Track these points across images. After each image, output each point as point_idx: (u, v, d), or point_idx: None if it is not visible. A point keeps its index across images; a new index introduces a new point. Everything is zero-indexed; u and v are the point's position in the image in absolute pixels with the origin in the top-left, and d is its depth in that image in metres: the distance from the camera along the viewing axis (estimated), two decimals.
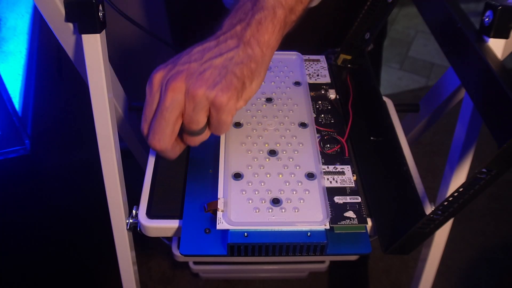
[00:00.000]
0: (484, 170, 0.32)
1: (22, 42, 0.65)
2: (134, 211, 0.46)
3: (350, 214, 0.40)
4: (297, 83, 0.54)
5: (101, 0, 0.44)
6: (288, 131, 0.48)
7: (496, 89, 0.35)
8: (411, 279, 0.60)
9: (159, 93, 0.38)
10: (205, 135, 0.41)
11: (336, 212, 0.40)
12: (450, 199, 0.34)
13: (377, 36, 0.72)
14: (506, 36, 0.42)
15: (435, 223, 0.36)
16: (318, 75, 0.56)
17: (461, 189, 0.33)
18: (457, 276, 1.12)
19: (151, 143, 0.40)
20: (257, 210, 0.40)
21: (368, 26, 0.53)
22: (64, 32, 0.47)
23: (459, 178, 0.50)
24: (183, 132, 0.40)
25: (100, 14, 0.43)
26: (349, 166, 0.45)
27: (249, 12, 0.39)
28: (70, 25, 0.46)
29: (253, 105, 0.50)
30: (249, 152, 0.45)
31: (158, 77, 0.39)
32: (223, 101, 0.37)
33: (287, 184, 0.42)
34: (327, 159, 0.46)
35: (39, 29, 0.68)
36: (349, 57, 0.57)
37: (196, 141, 0.41)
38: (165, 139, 0.39)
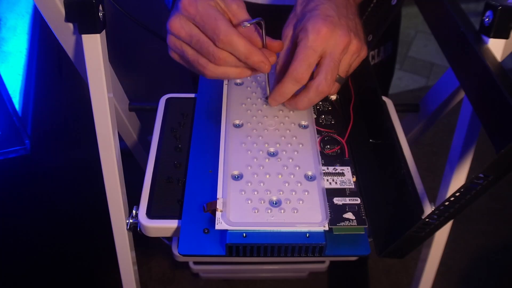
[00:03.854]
0: (481, 175, 0.31)
1: (22, 42, 0.65)
2: (134, 211, 0.46)
3: (349, 215, 0.40)
4: None
5: (101, 0, 0.44)
6: (288, 131, 0.48)
7: (495, 94, 0.34)
8: (411, 279, 0.60)
9: (326, 44, 0.42)
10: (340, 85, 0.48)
11: (335, 213, 0.40)
12: (446, 203, 0.33)
13: (395, 40, 0.72)
14: (506, 36, 0.42)
15: (431, 227, 0.36)
16: None
17: (457, 194, 0.33)
18: (457, 276, 1.12)
19: (324, 88, 0.43)
20: (256, 211, 0.40)
21: (371, 28, 0.53)
22: (64, 32, 0.47)
23: (459, 179, 0.50)
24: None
25: (100, 14, 0.43)
26: (349, 167, 0.45)
27: None
28: (70, 25, 0.46)
29: (254, 105, 0.50)
30: (249, 152, 0.45)
31: (328, 31, 0.42)
32: (366, 54, 0.46)
33: (287, 184, 0.42)
34: (327, 160, 0.46)
35: (39, 29, 0.68)
36: None
37: (338, 89, 0.48)
38: (333, 84, 0.44)
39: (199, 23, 0.41)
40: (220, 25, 0.40)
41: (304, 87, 0.44)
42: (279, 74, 0.46)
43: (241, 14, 0.43)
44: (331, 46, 0.42)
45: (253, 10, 0.46)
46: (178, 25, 0.41)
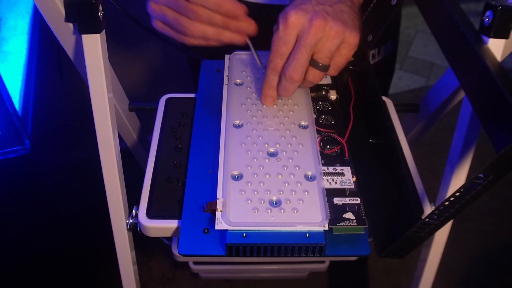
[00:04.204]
0: (481, 175, 0.31)
1: (22, 42, 0.65)
2: (134, 211, 0.46)
3: (349, 215, 0.40)
4: None
5: (101, 0, 0.44)
6: (288, 131, 0.48)
7: (495, 94, 0.34)
8: (411, 279, 0.60)
9: (297, 31, 0.42)
10: (324, 74, 0.46)
11: (335, 213, 0.40)
12: (446, 203, 0.33)
13: (395, 39, 0.72)
14: (506, 36, 0.42)
15: (431, 227, 0.36)
16: None
17: (457, 194, 0.33)
18: (457, 276, 1.12)
19: (291, 74, 0.44)
20: (256, 211, 0.40)
21: (371, 28, 0.53)
22: (64, 32, 0.47)
23: (459, 179, 0.50)
24: (309, 68, 0.45)
25: (100, 14, 0.43)
26: (349, 167, 0.45)
27: None
28: (70, 25, 0.46)
29: (254, 105, 0.50)
30: (249, 152, 0.45)
31: (298, 17, 0.42)
32: (356, 41, 0.44)
33: (287, 184, 0.42)
34: (327, 160, 0.46)
35: (39, 29, 0.68)
36: (351, 59, 0.57)
37: (320, 77, 0.46)
38: (303, 70, 0.44)
39: None
40: None
41: None
42: None
43: None
44: (301, 32, 0.42)
45: (252, 10, 0.46)
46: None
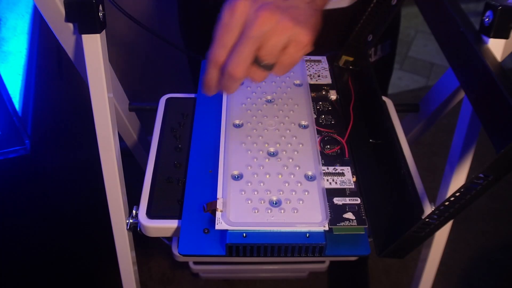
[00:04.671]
0: (481, 175, 0.31)
1: (22, 42, 0.65)
2: (134, 211, 0.46)
3: (349, 215, 0.40)
4: (298, 84, 0.54)
5: (101, 0, 0.44)
6: (288, 131, 0.48)
7: (495, 94, 0.34)
8: (411, 279, 0.60)
9: (243, 20, 0.38)
10: (268, 73, 0.41)
11: (335, 213, 0.40)
12: (446, 203, 0.33)
13: (394, 39, 0.72)
14: (506, 36, 0.42)
15: (431, 227, 0.36)
16: (319, 76, 0.56)
17: (457, 194, 0.33)
18: (457, 276, 1.12)
19: (232, 70, 0.39)
20: (256, 211, 0.40)
21: (371, 27, 0.53)
22: (64, 32, 0.47)
23: (459, 179, 0.50)
24: (252, 65, 0.40)
25: (100, 14, 0.43)
26: (349, 168, 0.45)
27: None
28: (70, 25, 0.46)
29: (254, 105, 0.50)
30: (249, 152, 0.45)
31: (244, 4, 0.38)
32: (306, 40, 0.39)
33: (287, 184, 0.42)
34: (327, 160, 0.46)
35: (39, 29, 0.68)
36: (351, 59, 0.57)
37: (262, 76, 0.41)
38: (245, 66, 0.39)
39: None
40: None
41: None
42: None
43: None
44: (247, 22, 0.38)
45: None
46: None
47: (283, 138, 0.47)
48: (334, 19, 0.60)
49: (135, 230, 0.46)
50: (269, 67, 0.41)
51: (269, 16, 0.38)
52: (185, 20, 0.77)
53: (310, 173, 0.43)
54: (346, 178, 0.44)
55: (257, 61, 0.40)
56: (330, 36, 0.62)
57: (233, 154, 0.45)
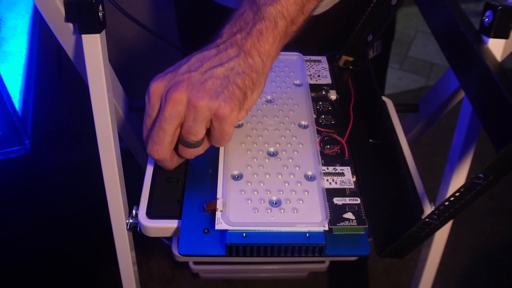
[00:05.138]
0: (481, 175, 0.31)
1: (22, 42, 0.65)
2: (134, 211, 0.46)
3: (349, 215, 0.40)
4: (298, 84, 0.54)
5: (101, 0, 0.44)
6: (288, 131, 0.48)
7: (495, 94, 0.34)
8: (411, 279, 0.60)
9: (159, 103, 0.38)
10: (202, 149, 0.41)
11: (335, 213, 0.40)
12: (446, 203, 0.33)
13: (386, 39, 0.72)
14: (506, 36, 0.42)
15: (431, 227, 0.36)
16: (319, 76, 0.56)
17: (457, 194, 0.33)
18: (457, 276, 1.12)
19: (150, 153, 0.40)
20: (256, 211, 0.40)
21: (371, 28, 0.53)
22: (64, 32, 0.47)
23: (459, 179, 0.50)
24: (179, 144, 0.41)
25: (100, 14, 0.43)
26: (349, 167, 0.45)
27: (250, 21, 0.39)
28: (70, 25, 0.46)
29: (254, 105, 0.50)
30: (249, 152, 0.45)
31: (157, 86, 0.38)
32: (226, 112, 0.37)
33: (287, 184, 0.42)
34: (327, 160, 0.46)
35: (39, 29, 0.68)
36: (351, 59, 0.57)
37: (192, 153, 0.41)
38: (163, 149, 0.40)
39: None
40: None
41: None
42: None
43: None
44: (161, 105, 0.38)
45: (227, 14, 0.43)
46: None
47: (283, 138, 0.47)
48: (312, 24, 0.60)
49: (135, 230, 0.46)
50: (193, 145, 0.40)
51: (178, 97, 0.37)
52: (180, 17, 0.77)
53: (310, 173, 0.43)
54: (346, 178, 0.44)
55: (181, 140, 0.40)
56: (313, 40, 0.61)
57: (233, 154, 0.45)
